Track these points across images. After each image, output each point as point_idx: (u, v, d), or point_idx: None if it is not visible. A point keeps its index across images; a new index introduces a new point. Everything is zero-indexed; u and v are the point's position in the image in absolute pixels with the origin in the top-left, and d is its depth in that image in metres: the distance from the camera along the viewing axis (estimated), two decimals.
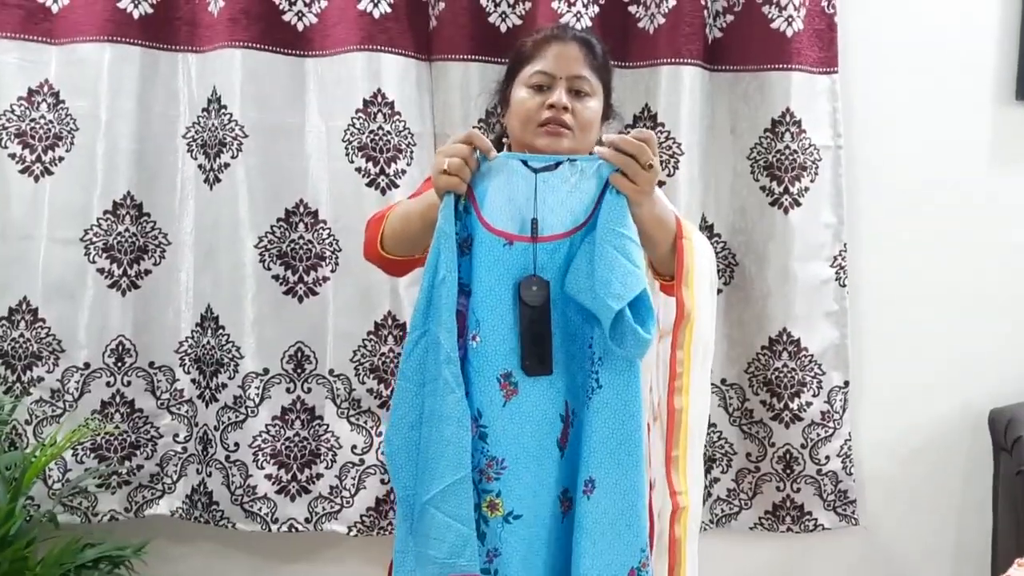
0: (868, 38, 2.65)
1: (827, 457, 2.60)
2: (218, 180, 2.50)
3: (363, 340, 2.52)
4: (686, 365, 1.78)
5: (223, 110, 2.49)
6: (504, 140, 1.94)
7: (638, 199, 1.65)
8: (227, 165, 2.49)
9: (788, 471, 2.61)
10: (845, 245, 2.60)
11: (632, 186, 1.63)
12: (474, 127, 2.49)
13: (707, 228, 2.62)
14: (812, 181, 2.57)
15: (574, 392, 1.62)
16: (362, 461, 2.54)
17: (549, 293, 1.60)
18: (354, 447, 2.54)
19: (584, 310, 1.61)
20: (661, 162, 2.48)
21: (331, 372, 2.52)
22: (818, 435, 2.60)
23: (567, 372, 1.63)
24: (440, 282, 1.57)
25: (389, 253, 1.82)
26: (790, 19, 2.52)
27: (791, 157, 2.55)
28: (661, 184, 2.48)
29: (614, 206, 1.60)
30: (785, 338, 2.58)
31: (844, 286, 2.60)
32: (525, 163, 1.64)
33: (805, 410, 2.59)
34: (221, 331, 2.52)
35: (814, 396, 2.59)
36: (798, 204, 2.56)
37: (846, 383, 2.62)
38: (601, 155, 1.64)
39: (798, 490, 2.62)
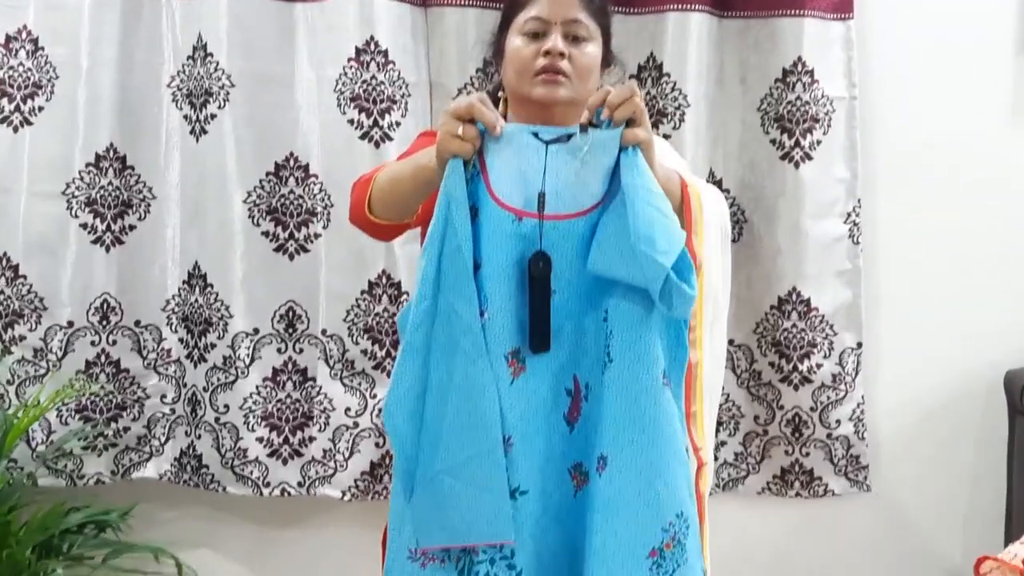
0: None
1: (838, 421, 2.54)
2: (204, 132, 2.42)
3: (357, 299, 2.45)
4: (699, 317, 1.73)
5: (209, 58, 2.39)
6: (500, 93, 1.87)
7: (649, 144, 1.54)
8: (213, 116, 2.41)
9: (797, 435, 2.56)
10: (859, 201, 2.52)
11: (643, 132, 1.52)
12: (472, 77, 2.40)
13: (715, 183, 2.53)
14: (825, 134, 2.49)
15: (587, 366, 1.56)
16: (356, 424, 2.48)
17: (550, 269, 1.52)
18: (348, 409, 2.48)
19: (596, 283, 1.53)
20: (667, 114, 2.43)
21: (324, 332, 2.46)
22: (828, 398, 2.54)
23: (578, 347, 1.56)
24: (455, 250, 1.49)
25: (377, 217, 1.73)
26: None
27: (803, 109, 2.47)
28: (667, 137, 2.41)
29: (633, 165, 1.50)
30: (795, 297, 2.51)
31: (857, 244, 2.53)
32: (536, 135, 1.55)
33: (815, 372, 2.52)
34: (209, 289, 2.45)
35: (825, 358, 2.53)
36: (810, 158, 2.48)
37: (859, 344, 2.55)
38: (593, 109, 1.53)
39: (807, 454, 2.56)
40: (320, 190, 2.43)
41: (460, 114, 1.49)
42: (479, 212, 1.52)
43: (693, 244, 1.68)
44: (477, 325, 1.49)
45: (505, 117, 1.84)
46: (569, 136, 1.53)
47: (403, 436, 1.55)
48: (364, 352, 2.46)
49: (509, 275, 1.52)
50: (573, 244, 1.52)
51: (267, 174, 2.43)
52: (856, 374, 2.55)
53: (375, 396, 2.47)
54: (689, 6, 2.43)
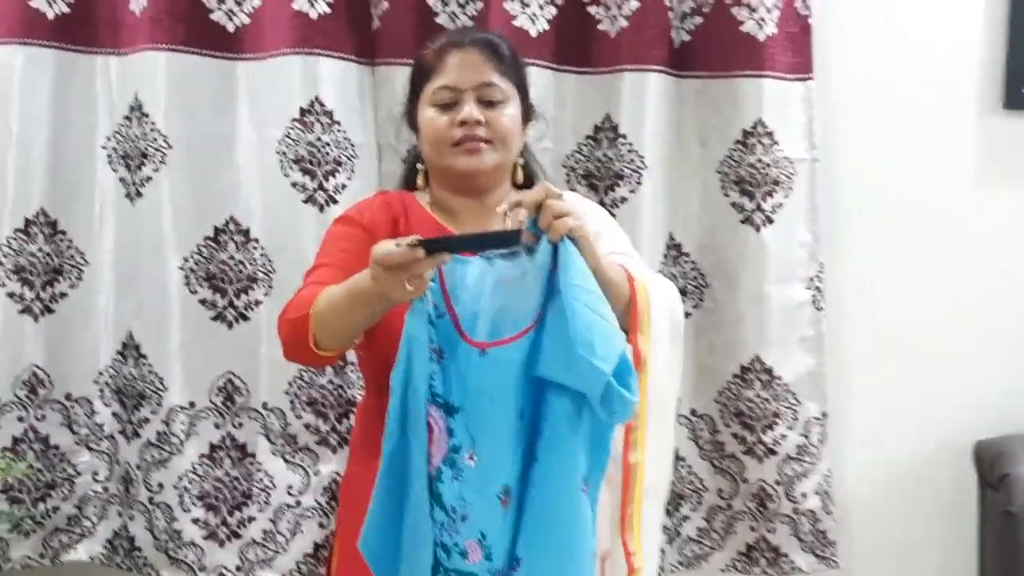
0: (845, 42, 2.50)
1: (804, 494, 2.44)
2: (140, 195, 2.33)
3: (300, 370, 2.33)
4: (642, 418, 1.66)
5: (145, 118, 2.31)
6: (419, 166, 1.83)
7: (582, 231, 1.50)
8: (150, 179, 2.31)
9: (762, 509, 2.46)
10: (822, 265, 2.45)
11: (569, 221, 1.47)
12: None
13: (675, 247, 2.47)
14: (786, 197, 2.42)
15: (515, 467, 1.53)
16: (298, 503, 2.36)
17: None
18: (290, 488, 2.35)
19: (532, 382, 1.52)
20: (624, 177, 2.36)
21: (264, 405, 2.35)
22: (794, 471, 2.44)
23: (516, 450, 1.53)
24: (414, 391, 1.48)
25: (327, 350, 1.62)
26: (761, 21, 2.38)
27: (764, 171, 2.41)
28: (624, 200, 2.36)
29: (568, 263, 1.48)
30: (758, 366, 2.43)
31: (821, 309, 2.45)
32: (487, 257, 1.55)
33: (780, 443, 2.43)
34: (143, 360, 2.33)
35: (789, 428, 2.44)
36: (771, 221, 2.42)
37: (823, 414, 2.47)
38: (516, 215, 1.53)
39: (773, 530, 2.46)
40: (261, 255, 2.34)
41: (392, 267, 1.41)
42: (446, 352, 1.51)
43: (639, 342, 1.63)
44: (424, 473, 1.46)
45: (427, 187, 1.82)
46: (514, 252, 1.53)
47: (380, 564, 1.53)
48: (307, 426, 2.35)
49: (489, 412, 1.49)
50: (513, 369, 1.50)
51: (205, 239, 2.33)
52: (821, 445, 2.46)
53: (318, 473, 2.36)
54: (645, 66, 2.37)
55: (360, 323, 1.58)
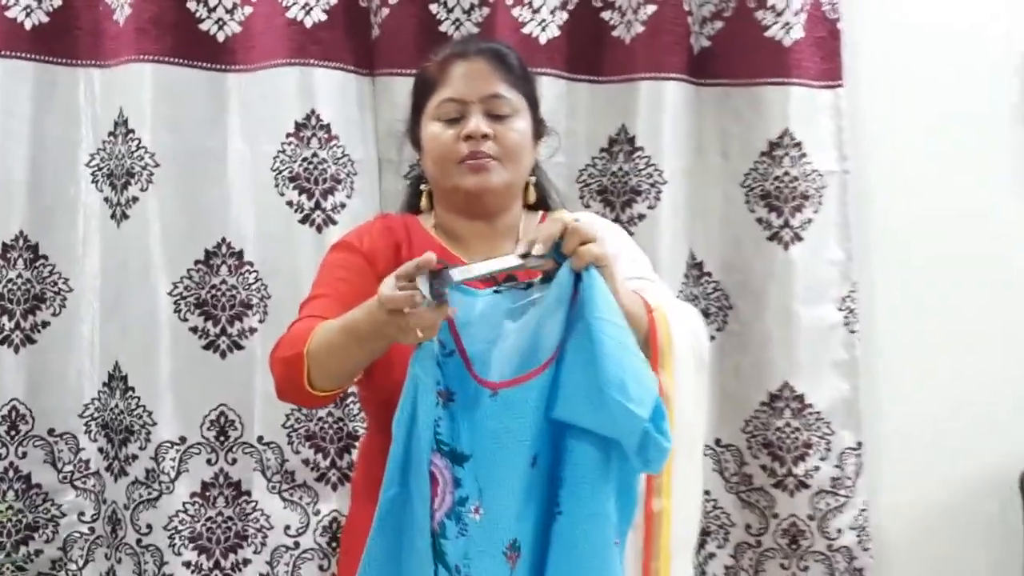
0: (876, 47, 2.40)
1: (839, 530, 2.32)
2: (126, 216, 2.21)
3: None
4: (668, 461, 1.47)
5: (131, 134, 2.19)
6: (423, 187, 1.71)
7: (607, 261, 1.38)
8: (136, 199, 2.19)
9: (794, 546, 2.33)
10: (855, 284, 2.33)
11: (596, 249, 1.36)
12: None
13: (696, 266, 2.35)
14: (816, 212, 2.32)
15: (529, 520, 1.40)
16: (297, 544, 2.23)
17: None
18: (287, 528, 2.23)
19: (551, 425, 1.38)
20: (641, 192, 2.25)
21: (260, 440, 2.23)
22: (828, 505, 2.32)
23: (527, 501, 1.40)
24: (418, 438, 1.36)
25: (323, 390, 1.49)
26: (788, 26, 2.29)
27: (791, 184, 2.30)
28: (642, 217, 2.25)
29: (591, 292, 1.35)
30: (787, 393, 2.31)
31: (854, 332, 2.33)
32: (497, 290, 1.43)
33: (812, 476, 2.32)
34: (130, 393, 2.21)
35: (822, 460, 2.32)
36: (800, 238, 2.31)
37: (859, 444, 2.34)
38: (540, 261, 1.39)
39: (806, 568, 2.34)
40: (256, 280, 2.23)
41: (399, 306, 1.29)
42: (456, 394, 1.38)
43: (660, 378, 1.48)
44: (427, 530, 1.33)
45: (431, 209, 1.70)
46: (528, 285, 1.42)
47: None
48: (306, 462, 2.23)
49: (498, 460, 1.36)
50: (527, 411, 1.37)
51: (196, 262, 2.22)
52: (857, 477, 2.33)
53: (318, 512, 2.23)
54: (663, 74, 2.27)
55: (359, 362, 1.46)
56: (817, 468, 2.31)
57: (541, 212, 1.72)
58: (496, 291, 1.41)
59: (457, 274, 1.31)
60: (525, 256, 1.36)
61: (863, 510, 2.33)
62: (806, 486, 2.30)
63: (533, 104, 1.68)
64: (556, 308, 1.37)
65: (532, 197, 1.70)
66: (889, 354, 2.39)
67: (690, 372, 1.56)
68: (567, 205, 1.82)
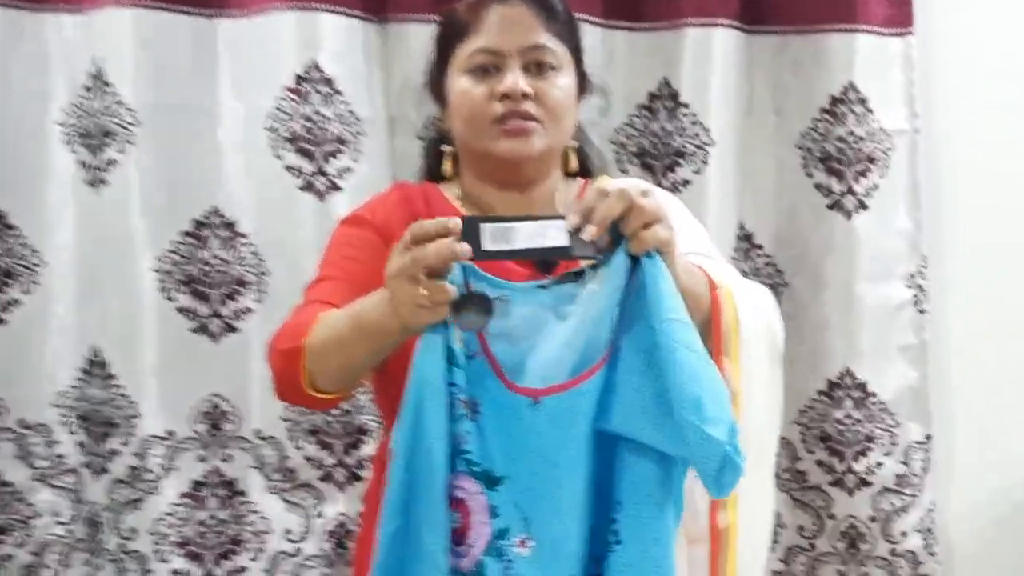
0: None
1: (903, 533, 2.14)
2: (103, 182, 2.02)
3: None
4: None
5: (108, 89, 2.00)
6: (446, 149, 1.53)
7: (673, 246, 1.18)
8: (115, 161, 2.00)
9: (853, 550, 2.15)
10: (925, 259, 2.14)
11: (664, 232, 1.16)
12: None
13: (746, 239, 2.16)
14: (882, 176, 2.11)
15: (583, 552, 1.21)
16: (298, 551, 2.07)
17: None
18: (288, 532, 2.06)
19: (604, 442, 1.19)
20: (686, 155, 2.08)
21: (257, 434, 2.06)
22: (892, 505, 2.14)
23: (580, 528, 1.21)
24: (426, 454, 1.15)
25: (325, 393, 1.33)
26: None
27: (856, 145, 2.10)
28: (687, 183, 2.09)
29: (655, 284, 1.15)
30: (848, 381, 2.13)
31: (924, 312, 2.14)
32: (541, 286, 1.22)
33: (875, 473, 2.14)
34: (111, 381, 2.04)
35: (886, 455, 2.14)
36: (864, 207, 2.10)
37: (927, 438, 2.15)
38: (590, 250, 1.18)
39: (865, 575, 2.16)
40: (251, 254, 2.04)
41: (416, 265, 1.11)
42: (480, 404, 1.18)
43: (724, 368, 1.30)
44: (444, 563, 1.14)
45: (456, 176, 1.52)
46: (579, 274, 1.20)
47: None
48: (309, 459, 2.06)
49: (547, 481, 1.17)
50: (578, 422, 1.17)
51: (183, 235, 2.04)
52: (925, 474, 2.15)
53: (322, 515, 2.06)
54: (711, 19, 2.06)
55: (366, 361, 1.28)
56: (880, 464, 2.12)
57: (582, 181, 1.53)
58: (541, 286, 1.20)
59: (490, 238, 1.12)
60: (575, 235, 1.13)
61: (930, 510, 2.15)
62: (867, 484, 2.13)
63: (578, 56, 1.51)
64: (609, 299, 1.16)
65: (574, 164, 1.52)
66: (962, 338, 2.20)
67: (762, 362, 1.38)
68: (609, 172, 1.62)
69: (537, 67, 1.44)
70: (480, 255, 1.12)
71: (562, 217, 1.13)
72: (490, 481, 1.16)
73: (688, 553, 1.39)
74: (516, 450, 1.16)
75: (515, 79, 1.41)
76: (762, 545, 1.44)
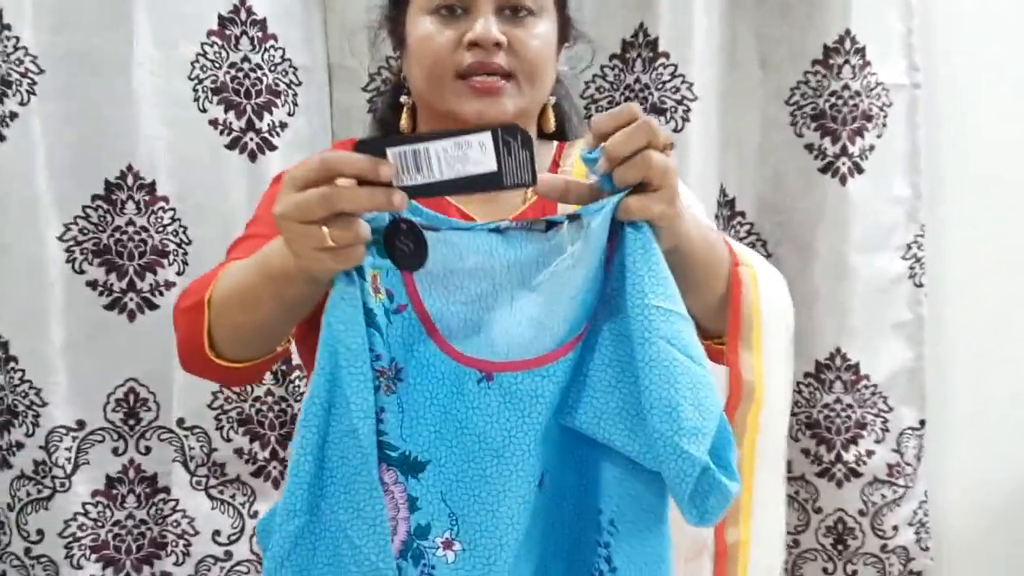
0: None
1: (895, 527, 1.99)
2: (1, 138, 1.79)
3: None
4: (747, 476, 1.15)
5: (6, 32, 1.77)
6: (404, 100, 1.31)
7: (671, 221, 0.97)
8: (15, 115, 1.78)
9: (840, 546, 2.00)
10: (922, 228, 1.96)
11: (659, 204, 0.95)
12: (389, 58, 1.76)
13: (727, 204, 1.96)
14: (879, 136, 1.92)
15: (538, 566, 1.04)
16: (228, 554, 1.88)
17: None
18: (216, 534, 1.87)
19: (591, 451, 1.02)
20: (664, 110, 1.86)
21: (180, 423, 1.86)
22: (883, 497, 1.98)
23: (557, 555, 1.05)
24: (347, 435, 0.95)
25: (228, 360, 1.12)
26: None
27: (852, 102, 1.90)
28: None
29: (637, 259, 0.95)
30: (839, 362, 1.96)
31: (921, 286, 1.96)
32: (495, 228, 0.98)
33: (865, 462, 1.98)
34: (13, 365, 1.82)
35: (877, 442, 1.98)
36: (860, 170, 1.92)
37: (921, 423, 1.99)
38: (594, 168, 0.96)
39: (854, 573, 2.01)
40: (172, 220, 1.83)
41: (323, 206, 0.88)
42: (404, 371, 0.97)
43: (741, 361, 1.13)
44: (390, 565, 0.95)
45: (413, 131, 1.31)
46: (549, 224, 0.98)
47: None
48: (239, 452, 1.87)
49: (488, 474, 0.97)
50: (538, 408, 0.98)
51: (94, 198, 1.83)
52: (918, 463, 1.98)
53: (255, 514, 1.88)
54: None
55: (278, 318, 1.05)
56: (871, 453, 1.96)
57: (556, 144, 1.32)
58: (494, 229, 0.98)
59: (400, 166, 0.88)
60: (507, 154, 0.89)
61: (923, 502, 1.99)
62: (857, 475, 1.97)
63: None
64: (589, 266, 0.96)
65: (552, 123, 1.30)
66: (957, 314, 2.02)
67: (781, 355, 1.18)
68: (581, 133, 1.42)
69: (513, 10, 1.22)
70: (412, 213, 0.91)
71: (488, 129, 0.88)
72: (410, 467, 0.97)
73: (684, 572, 1.24)
74: (450, 430, 0.97)
75: (487, 25, 1.20)
76: (776, 557, 1.26)
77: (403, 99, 1.31)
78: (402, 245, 0.90)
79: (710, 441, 0.93)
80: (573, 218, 0.96)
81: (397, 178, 0.86)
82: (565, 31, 1.32)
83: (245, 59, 1.80)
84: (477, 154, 0.88)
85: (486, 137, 0.87)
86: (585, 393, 0.97)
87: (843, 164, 1.89)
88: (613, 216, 0.93)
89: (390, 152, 0.86)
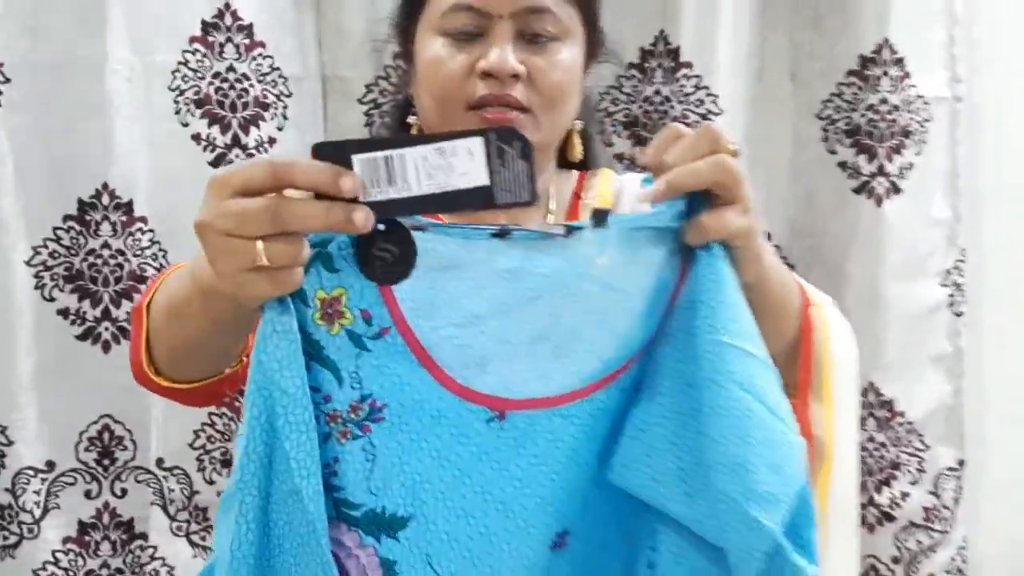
0: None
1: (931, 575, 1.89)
2: None
3: (210, 413, 1.78)
4: (820, 547, 1.04)
5: None
6: (412, 121, 1.21)
7: (750, 240, 0.86)
8: None
9: None
10: (963, 252, 1.85)
11: (739, 219, 0.84)
12: (388, 68, 1.69)
13: None
14: (918, 154, 1.81)
15: None
16: None
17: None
18: None
19: (640, 517, 0.91)
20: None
21: (160, 464, 1.76)
22: (919, 544, 1.88)
23: None
24: (290, 498, 0.80)
25: (168, 379, 1.02)
26: None
27: (890, 116, 1.80)
28: None
29: (710, 287, 0.83)
30: (872, 397, 1.85)
31: (960, 315, 1.86)
32: (500, 233, 0.84)
33: (899, 505, 1.88)
34: None
35: (913, 484, 1.88)
36: (898, 190, 1.81)
37: (960, 463, 1.89)
38: (655, 192, 0.85)
39: None
40: (151, 242, 1.73)
41: (263, 221, 0.75)
42: (391, 408, 0.83)
43: (812, 415, 1.05)
44: None
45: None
46: (569, 230, 0.84)
47: None
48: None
49: (489, 528, 0.85)
50: (566, 453, 0.87)
51: (66, 219, 1.73)
52: (956, 506, 1.89)
53: None
54: None
55: (209, 337, 0.94)
56: (906, 495, 1.86)
57: (577, 174, 1.23)
58: (497, 234, 0.83)
59: (368, 178, 0.75)
60: (501, 162, 0.75)
61: (961, 548, 1.89)
62: (891, 519, 1.87)
63: (592, 16, 1.19)
64: (627, 289, 0.84)
65: (578, 151, 1.19)
66: (1004, 346, 1.92)
67: (852, 407, 1.12)
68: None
69: (532, 37, 1.12)
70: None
71: (479, 133, 0.75)
72: (383, 525, 0.84)
73: None
74: (444, 479, 0.84)
75: (502, 55, 1.09)
76: None
77: (411, 120, 1.21)
78: (381, 252, 0.76)
79: (787, 512, 0.81)
80: (599, 221, 0.82)
81: (363, 191, 0.73)
82: (594, 49, 1.21)
83: (230, 68, 1.70)
84: (464, 163, 0.74)
85: (475, 142, 0.74)
86: (637, 449, 0.86)
87: (879, 184, 1.78)
88: (674, 236, 0.82)
89: (356, 159, 0.73)
